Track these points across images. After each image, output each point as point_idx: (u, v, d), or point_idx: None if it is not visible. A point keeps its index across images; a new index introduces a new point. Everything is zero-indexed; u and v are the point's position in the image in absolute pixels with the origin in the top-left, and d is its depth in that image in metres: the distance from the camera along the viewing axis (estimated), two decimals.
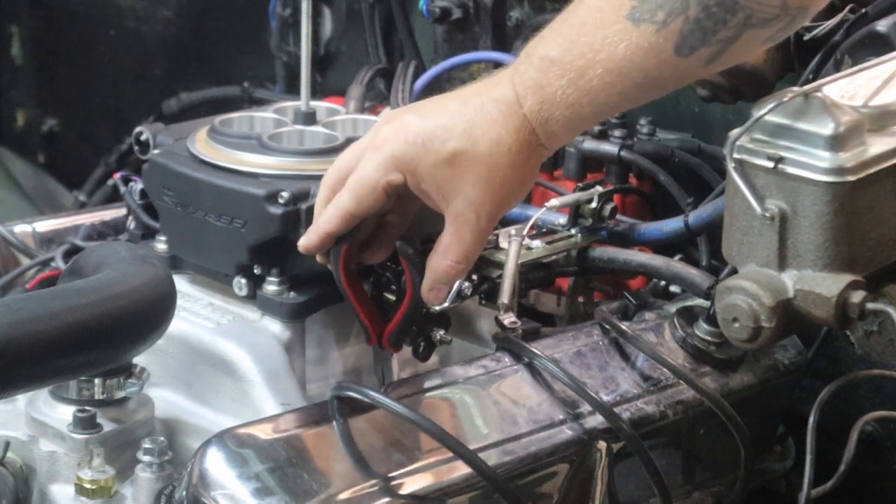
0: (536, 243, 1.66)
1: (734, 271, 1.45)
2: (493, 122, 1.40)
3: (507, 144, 1.40)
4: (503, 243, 1.62)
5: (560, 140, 1.43)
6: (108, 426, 1.51)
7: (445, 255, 1.44)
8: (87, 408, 1.50)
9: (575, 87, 1.38)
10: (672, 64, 1.36)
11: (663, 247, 1.74)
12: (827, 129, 1.38)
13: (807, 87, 1.41)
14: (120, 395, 1.53)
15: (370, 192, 1.43)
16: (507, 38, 2.06)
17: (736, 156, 1.41)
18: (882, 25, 1.66)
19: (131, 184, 1.78)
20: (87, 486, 1.46)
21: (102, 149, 2.69)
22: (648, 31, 1.35)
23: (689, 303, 1.62)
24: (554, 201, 1.67)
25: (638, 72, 1.36)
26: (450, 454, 1.35)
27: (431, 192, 1.42)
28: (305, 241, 1.49)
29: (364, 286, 1.53)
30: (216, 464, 1.32)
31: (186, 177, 1.63)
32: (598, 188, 1.71)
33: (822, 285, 1.39)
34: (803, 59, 1.74)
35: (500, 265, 1.59)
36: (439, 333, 1.58)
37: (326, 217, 1.46)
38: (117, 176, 1.88)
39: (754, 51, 1.40)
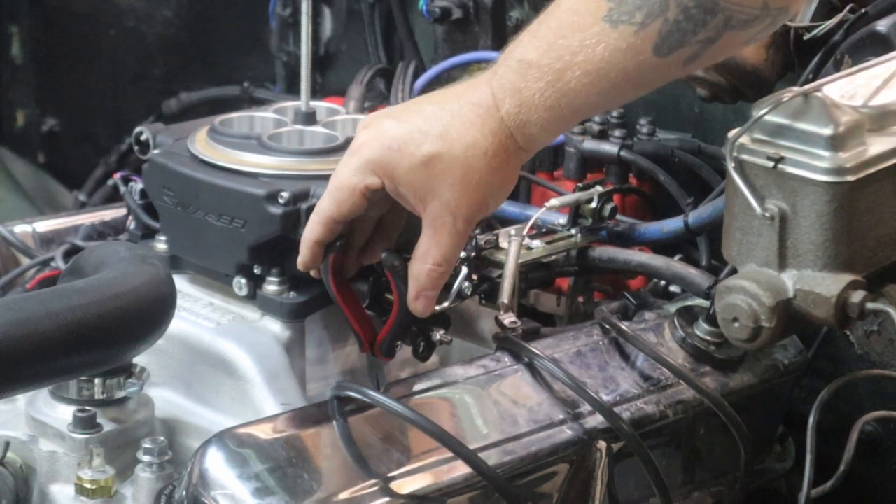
0: (536, 243, 1.67)
1: (734, 271, 1.46)
2: (469, 125, 1.40)
3: (484, 147, 1.40)
4: (503, 243, 1.62)
5: (539, 143, 1.43)
6: (108, 426, 1.51)
7: (425, 260, 1.44)
8: (87, 408, 1.50)
9: (553, 89, 1.38)
10: (651, 65, 1.37)
11: (663, 247, 1.74)
12: (827, 129, 1.38)
13: (807, 87, 1.41)
14: (120, 395, 1.53)
15: (349, 197, 1.43)
16: (507, 38, 2.05)
17: (736, 156, 1.42)
18: (882, 25, 1.66)
19: (131, 184, 1.78)
20: (87, 486, 1.46)
21: (102, 149, 2.69)
22: (627, 32, 1.35)
23: (689, 303, 1.62)
24: (554, 201, 1.67)
25: (617, 73, 1.36)
26: (450, 454, 1.35)
27: (408, 196, 1.42)
28: (300, 259, 1.50)
29: (355, 293, 1.53)
30: (216, 464, 1.32)
31: (186, 177, 1.63)
32: (598, 188, 1.71)
33: (822, 285, 1.39)
34: (803, 59, 1.74)
35: (500, 265, 1.59)
36: (439, 333, 1.58)
37: (310, 226, 1.47)
38: (117, 176, 1.88)
39: (735, 51, 1.41)
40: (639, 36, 1.35)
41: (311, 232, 1.47)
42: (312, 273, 1.51)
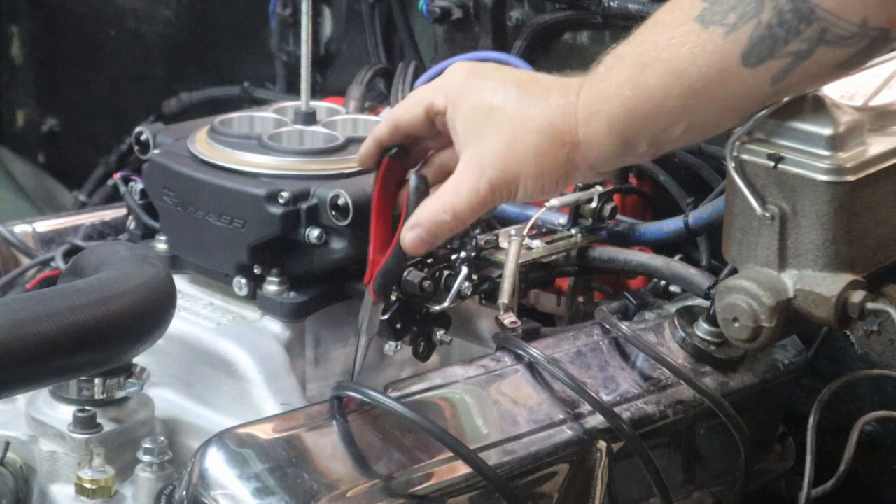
0: (536, 243, 1.67)
1: (734, 271, 1.46)
2: (545, 102, 1.38)
3: (542, 123, 1.37)
4: (503, 243, 1.62)
5: (598, 146, 1.37)
6: (108, 426, 1.51)
7: (438, 198, 1.41)
8: (87, 408, 1.50)
9: (633, 83, 1.34)
10: (737, 75, 1.31)
11: (663, 247, 1.74)
12: (827, 128, 1.38)
13: None
14: (120, 395, 1.53)
15: (413, 107, 1.44)
16: (507, 38, 2.06)
17: (736, 156, 1.41)
18: None
19: (131, 184, 1.78)
20: (88, 486, 1.46)
21: (102, 149, 2.69)
22: (717, 33, 1.30)
23: (689, 303, 1.62)
24: (554, 201, 1.67)
25: (699, 77, 1.31)
26: (450, 454, 1.35)
27: (459, 132, 1.41)
28: (359, 151, 1.50)
29: (390, 216, 1.50)
30: (216, 464, 1.32)
31: (186, 177, 1.63)
32: (598, 188, 1.71)
33: (822, 285, 1.39)
34: None
35: (500, 265, 1.59)
36: (439, 333, 1.58)
37: (378, 125, 1.48)
38: (117, 176, 1.87)
39: (826, 75, 1.34)
40: (728, 39, 1.30)
41: (376, 129, 1.48)
42: (372, 180, 1.49)
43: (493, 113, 1.39)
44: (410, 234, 1.43)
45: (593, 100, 1.36)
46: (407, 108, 1.45)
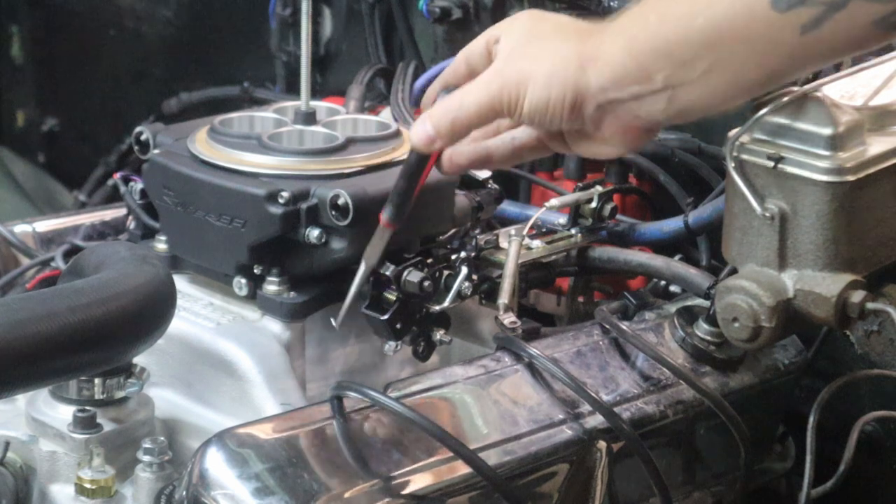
0: (536, 243, 1.67)
1: (734, 271, 1.46)
2: (582, 31, 1.37)
3: (568, 35, 1.37)
4: (503, 243, 1.62)
5: (611, 63, 1.33)
6: (108, 426, 1.51)
7: (452, 94, 1.41)
8: (87, 408, 1.50)
9: (659, 10, 1.30)
10: (764, 20, 1.26)
11: (663, 247, 1.74)
12: (827, 129, 1.38)
13: (807, 86, 1.41)
14: (120, 395, 1.53)
15: (479, 37, 1.44)
16: None
17: (736, 156, 1.42)
18: None
19: (131, 184, 1.78)
20: (87, 485, 1.46)
21: (102, 149, 2.69)
22: None
23: (689, 303, 1.62)
24: (554, 201, 1.67)
25: (725, 14, 1.27)
26: (450, 454, 1.35)
27: (502, 48, 1.41)
28: (425, 96, 1.50)
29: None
30: (216, 464, 1.32)
31: (186, 177, 1.63)
32: (598, 188, 1.71)
33: (822, 285, 1.39)
34: None
35: (500, 265, 1.59)
36: (439, 333, 1.58)
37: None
38: (117, 176, 1.87)
39: (862, 36, 1.27)
40: None
41: (445, 70, 1.49)
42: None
43: (533, 41, 1.39)
44: (417, 126, 1.42)
45: (619, 24, 1.35)
46: (473, 42, 1.45)
